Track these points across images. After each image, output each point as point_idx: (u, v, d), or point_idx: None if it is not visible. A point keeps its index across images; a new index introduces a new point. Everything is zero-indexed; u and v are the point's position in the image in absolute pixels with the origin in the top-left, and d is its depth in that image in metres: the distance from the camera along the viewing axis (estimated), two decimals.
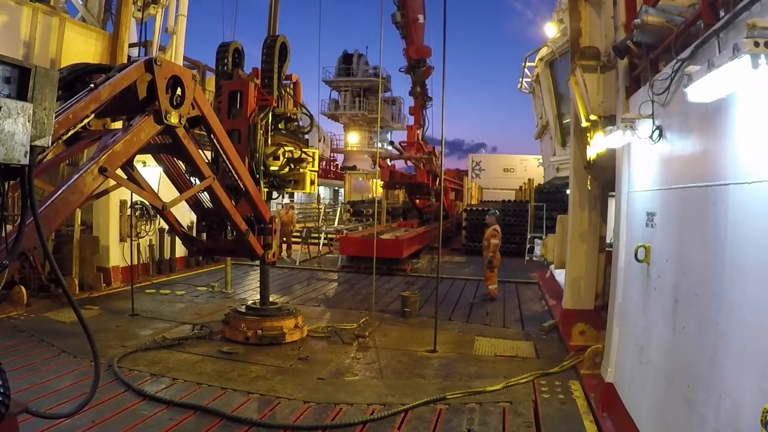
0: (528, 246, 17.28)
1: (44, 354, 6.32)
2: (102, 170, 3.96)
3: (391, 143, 22.33)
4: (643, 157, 4.44)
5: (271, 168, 7.51)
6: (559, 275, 10.38)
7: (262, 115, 7.29)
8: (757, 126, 2.54)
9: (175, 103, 4.88)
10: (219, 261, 13.48)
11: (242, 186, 6.50)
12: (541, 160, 17.33)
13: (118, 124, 5.49)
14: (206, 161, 5.88)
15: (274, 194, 8.21)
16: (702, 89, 2.68)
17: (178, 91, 4.93)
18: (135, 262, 10.67)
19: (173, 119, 4.83)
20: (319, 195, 26.45)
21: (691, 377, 3.15)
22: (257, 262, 7.91)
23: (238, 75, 7.56)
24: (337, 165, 40.20)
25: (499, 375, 6.16)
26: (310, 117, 8.55)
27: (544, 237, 14.98)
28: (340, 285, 12.59)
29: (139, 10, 11.02)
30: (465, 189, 25.08)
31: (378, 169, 16.70)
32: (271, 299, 8.11)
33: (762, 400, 2.26)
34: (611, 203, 7.44)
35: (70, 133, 3.80)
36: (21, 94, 2.08)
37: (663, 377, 3.64)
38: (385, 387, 5.78)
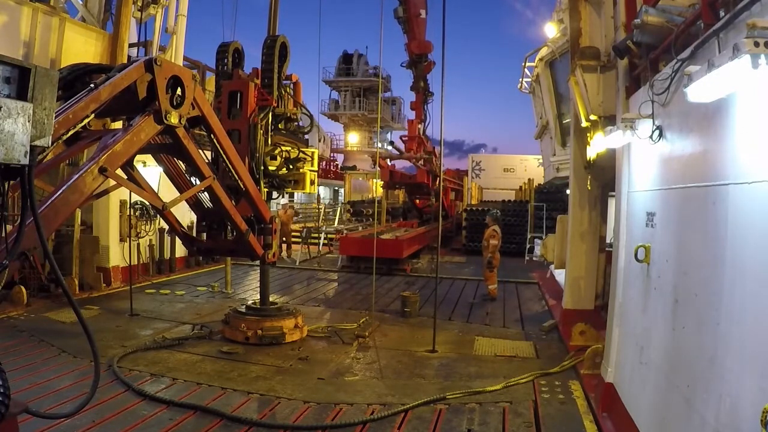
0: (528, 246, 17.27)
1: (44, 354, 6.32)
2: (102, 170, 3.96)
3: (391, 143, 22.22)
4: (643, 157, 4.44)
5: (270, 168, 7.50)
6: (559, 275, 10.38)
7: (262, 115, 7.26)
8: (757, 126, 2.54)
9: (175, 103, 4.87)
10: (219, 261, 13.46)
11: (242, 186, 6.48)
12: (541, 160, 17.32)
13: (118, 124, 5.48)
14: (206, 161, 5.86)
15: (274, 194, 8.18)
16: (702, 89, 2.68)
17: (178, 91, 4.92)
18: (135, 262, 10.68)
19: (173, 119, 4.82)
20: (319, 195, 26.43)
21: (691, 377, 3.15)
22: (257, 262, 7.89)
23: (238, 75, 7.56)
24: (337, 165, 40.21)
25: (499, 375, 6.16)
26: (310, 117, 8.52)
27: (544, 237, 14.98)
28: (340, 285, 12.59)
29: (139, 10, 11.01)
30: (465, 189, 25.07)
31: (378, 169, 16.65)
32: (271, 299, 8.11)
33: (762, 400, 2.26)
34: (611, 203, 7.44)
35: (70, 133, 3.79)
36: (21, 94, 2.08)
37: (663, 377, 3.64)
38: (385, 387, 5.78)
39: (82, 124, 3.86)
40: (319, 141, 36.48)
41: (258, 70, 7.72)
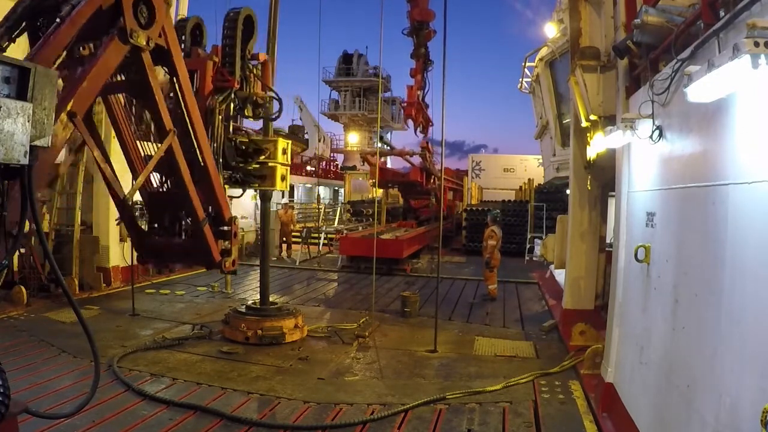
0: (528, 246, 17.28)
1: (44, 354, 6.32)
2: (71, 115, 3.73)
3: (381, 138, 21.82)
4: (643, 157, 4.44)
5: (231, 161, 6.67)
6: (559, 275, 10.37)
7: (221, 98, 6.40)
8: (757, 126, 2.54)
9: (142, 22, 4.44)
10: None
11: (201, 159, 5.61)
12: (541, 160, 17.32)
13: None
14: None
15: (238, 191, 7.44)
16: (702, 89, 2.68)
17: (145, 10, 4.50)
18: (135, 262, 10.65)
19: (141, 39, 4.41)
20: (319, 195, 26.44)
21: (691, 377, 3.15)
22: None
23: (196, 54, 6.62)
24: (337, 165, 40.20)
25: (499, 375, 6.16)
26: (279, 101, 7.43)
27: (544, 237, 14.99)
28: (340, 285, 12.59)
29: None
30: (465, 189, 25.05)
31: (368, 167, 16.67)
32: (271, 299, 8.11)
33: (762, 400, 2.26)
34: (611, 203, 7.44)
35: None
36: (21, 94, 2.09)
37: (663, 377, 3.64)
38: (385, 387, 5.77)
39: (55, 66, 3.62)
40: (319, 141, 36.53)
41: (218, 48, 6.74)
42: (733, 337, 2.66)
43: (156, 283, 11.42)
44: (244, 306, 7.88)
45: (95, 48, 4.42)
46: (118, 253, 10.94)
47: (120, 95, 5.49)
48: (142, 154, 5.63)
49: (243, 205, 16.95)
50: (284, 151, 7.40)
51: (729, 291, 2.74)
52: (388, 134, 42.46)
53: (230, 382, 5.72)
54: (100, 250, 10.61)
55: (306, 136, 35.18)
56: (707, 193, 3.06)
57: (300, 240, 17.85)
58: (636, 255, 4.20)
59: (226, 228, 6.26)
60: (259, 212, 12.50)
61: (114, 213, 10.81)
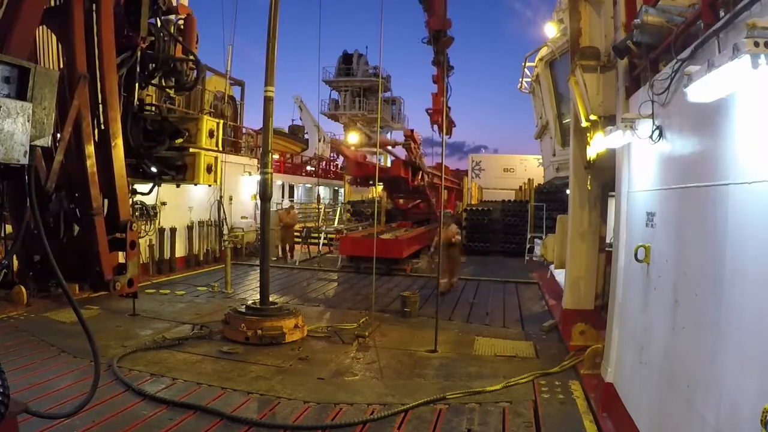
0: (528, 246, 17.27)
1: (44, 354, 6.32)
2: None
3: (355, 124, 18.73)
4: (643, 157, 4.44)
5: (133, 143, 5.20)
6: (559, 275, 10.37)
7: (120, 59, 4.94)
8: (757, 126, 2.54)
9: None
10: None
11: (104, 120, 4.40)
12: (541, 160, 17.31)
13: None
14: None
15: (146, 187, 5.99)
16: (702, 89, 2.68)
17: None
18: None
19: None
20: (319, 195, 26.41)
21: (691, 377, 3.15)
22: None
23: None
24: (337, 165, 40.16)
25: (499, 375, 6.16)
26: (197, 64, 5.83)
27: (544, 237, 14.97)
28: (340, 285, 12.59)
29: None
30: (465, 189, 25.03)
31: (342, 159, 14.94)
32: (271, 299, 8.10)
33: (762, 400, 2.26)
34: (611, 203, 7.43)
35: None
36: (20, 94, 2.08)
37: (663, 377, 3.64)
38: (385, 387, 5.77)
39: None
40: (319, 141, 36.48)
41: None
42: (733, 337, 2.66)
43: (156, 283, 11.41)
44: (244, 306, 7.87)
45: None
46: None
47: None
48: None
49: (243, 205, 16.95)
50: (212, 134, 5.98)
51: (729, 291, 2.74)
52: (388, 134, 42.41)
53: (230, 382, 5.72)
54: None
55: (306, 136, 35.25)
56: (707, 193, 3.06)
57: (300, 240, 17.84)
58: (636, 255, 4.20)
59: (120, 235, 4.61)
60: (259, 212, 12.50)
61: None
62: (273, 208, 16.02)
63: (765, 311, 2.39)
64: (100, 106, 4.44)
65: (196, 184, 6.08)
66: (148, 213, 11.56)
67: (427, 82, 20.33)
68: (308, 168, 33.62)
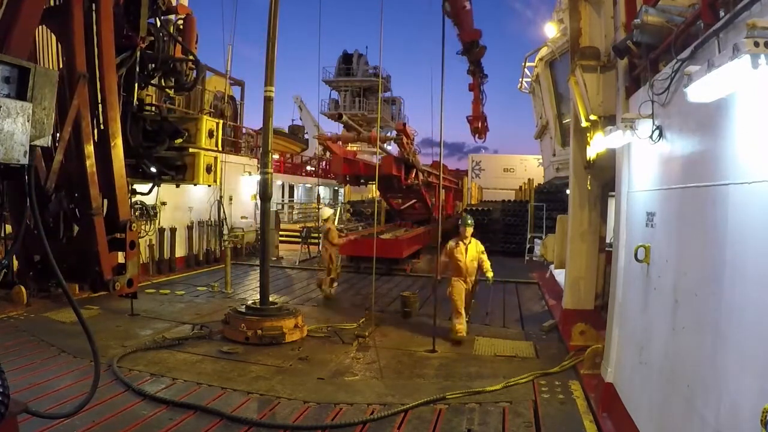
0: (528, 246, 17.27)
1: (44, 354, 6.32)
2: None
3: (340, 116, 15.78)
4: (643, 157, 4.44)
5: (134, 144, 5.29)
6: (559, 275, 10.37)
7: (118, 60, 4.96)
8: (757, 126, 2.54)
9: None
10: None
11: (103, 120, 4.47)
12: (541, 160, 17.32)
13: None
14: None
15: (146, 187, 6.10)
16: (702, 89, 2.68)
17: None
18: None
19: None
20: (319, 195, 26.39)
21: (691, 377, 3.15)
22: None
23: None
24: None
25: (499, 375, 6.16)
26: (196, 65, 5.85)
27: (544, 237, 14.98)
28: (340, 285, 12.57)
29: None
30: (465, 189, 25.02)
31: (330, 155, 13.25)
32: (271, 299, 8.10)
33: (762, 400, 2.26)
34: (611, 203, 7.43)
35: None
36: (20, 94, 2.08)
37: (663, 377, 3.64)
38: (385, 387, 5.77)
39: None
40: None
41: None
42: (733, 337, 2.66)
43: (156, 283, 11.41)
44: (244, 306, 7.87)
45: None
46: None
47: None
48: None
49: (243, 204, 16.95)
50: (211, 134, 5.97)
51: (729, 291, 2.74)
52: (388, 134, 42.42)
53: (230, 382, 5.72)
54: None
55: (306, 136, 35.24)
56: (707, 193, 3.06)
57: (300, 240, 17.84)
58: (636, 255, 4.20)
59: (120, 235, 4.66)
60: (259, 212, 12.50)
61: None
62: (273, 208, 16.01)
63: (765, 311, 2.39)
64: (100, 105, 4.51)
65: (195, 184, 6.12)
66: (148, 213, 11.60)
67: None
68: (308, 168, 33.64)
